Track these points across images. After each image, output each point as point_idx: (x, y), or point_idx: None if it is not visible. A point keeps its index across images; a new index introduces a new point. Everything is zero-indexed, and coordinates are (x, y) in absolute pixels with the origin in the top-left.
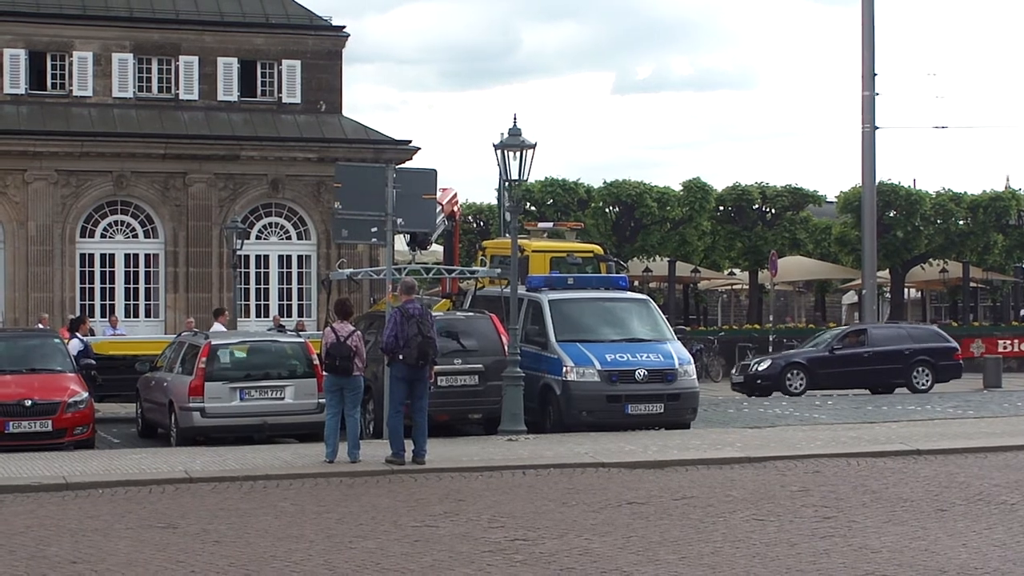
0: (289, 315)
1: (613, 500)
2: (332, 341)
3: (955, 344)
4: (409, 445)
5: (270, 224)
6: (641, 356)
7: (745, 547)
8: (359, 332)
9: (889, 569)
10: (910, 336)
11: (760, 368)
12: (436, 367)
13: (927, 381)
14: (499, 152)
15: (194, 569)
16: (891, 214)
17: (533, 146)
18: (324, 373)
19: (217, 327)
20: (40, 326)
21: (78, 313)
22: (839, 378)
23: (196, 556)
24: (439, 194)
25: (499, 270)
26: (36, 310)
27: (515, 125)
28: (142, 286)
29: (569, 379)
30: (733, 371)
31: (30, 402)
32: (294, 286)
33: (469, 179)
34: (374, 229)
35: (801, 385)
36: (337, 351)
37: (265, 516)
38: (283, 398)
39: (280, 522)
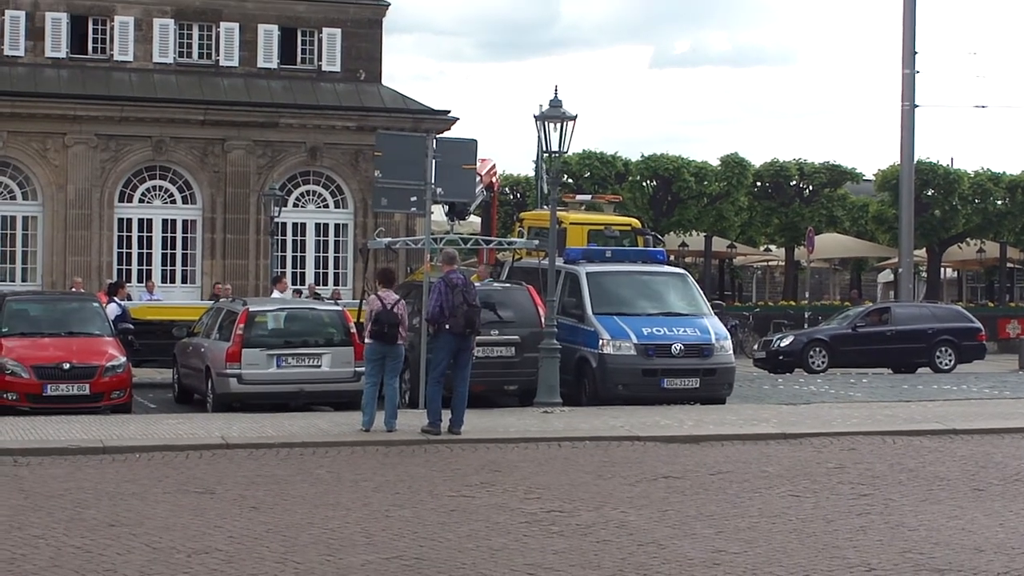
0: (324, 284)
1: (649, 474)
2: (379, 308)
3: (979, 325)
4: (446, 415)
5: (307, 192)
6: (678, 330)
7: (781, 523)
8: (403, 301)
9: (926, 547)
10: (934, 315)
11: (782, 344)
12: None
13: (950, 361)
14: (539, 123)
15: (232, 534)
16: (929, 193)
17: (574, 118)
18: (368, 341)
19: (276, 295)
20: (73, 290)
21: (116, 278)
22: (861, 356)
23: (234, 521)
24: (478, 164)
25: (536, 242)
26: (73, 274)
27: (556, 96)
28: (179, 252)
29: (605, 352)
30: (755, 347)
31: (68, 365)
32: (330, 254)
33: (506, 151)
34: (413, 198)
35: (823, 362)
36: (386, 318)
37: (302, 483)
38: (320, 366)
39: (317, 489)
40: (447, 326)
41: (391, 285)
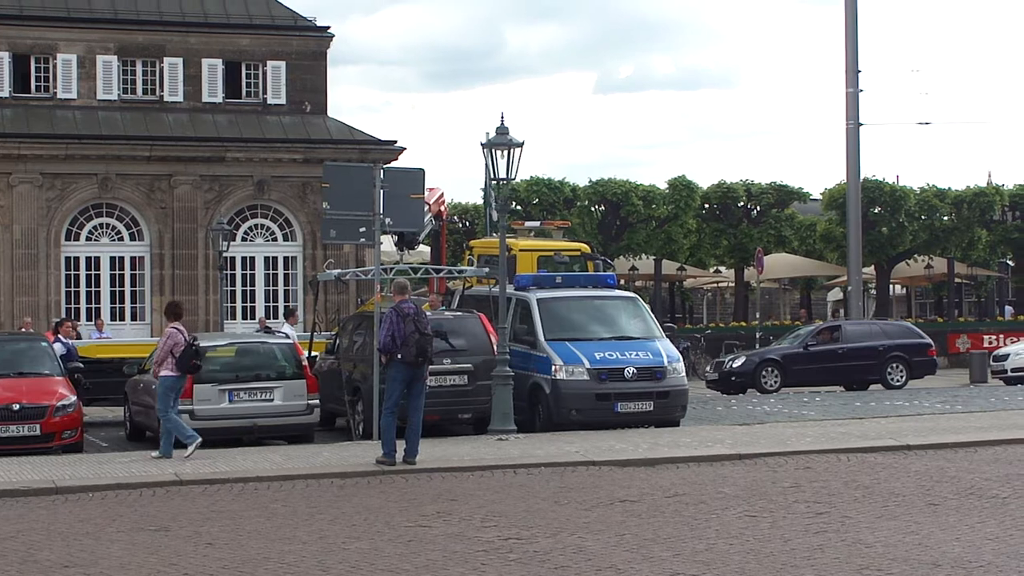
0: (275, 317)
1: (605, 498)
2: (183, 341)
3: (929, 340)
4: (400, 445)
5: (256, 226)
6: (630, 354)
7: (739, 543)
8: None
9: (883, 564)
10: (884, 332)
11: (735, 365)
12: None
13: (902, 377)
14: (487, 151)
15: (187, 572)
16: (876, 210)
17: (520, 145)
18: (170, 374)
19: (288, 329)
20: (23, 330)
21: (63, 317)
22: (813, 374)
23: (189, 559)
24: (426, 194)
25: (487, 269)
26: (21, 314)
27: (502, 124)
28: (128, 289)
29: (558, 378)
30: (707, 368)
31: (18, 406)
32: (280, 288)
33: (454, 179)
34: (362, 229)
35: (776, 382)
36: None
37: (257, 518)
38: (272, 399)
39: (272, 524)
40: (399, 356)
41: (180, 319)
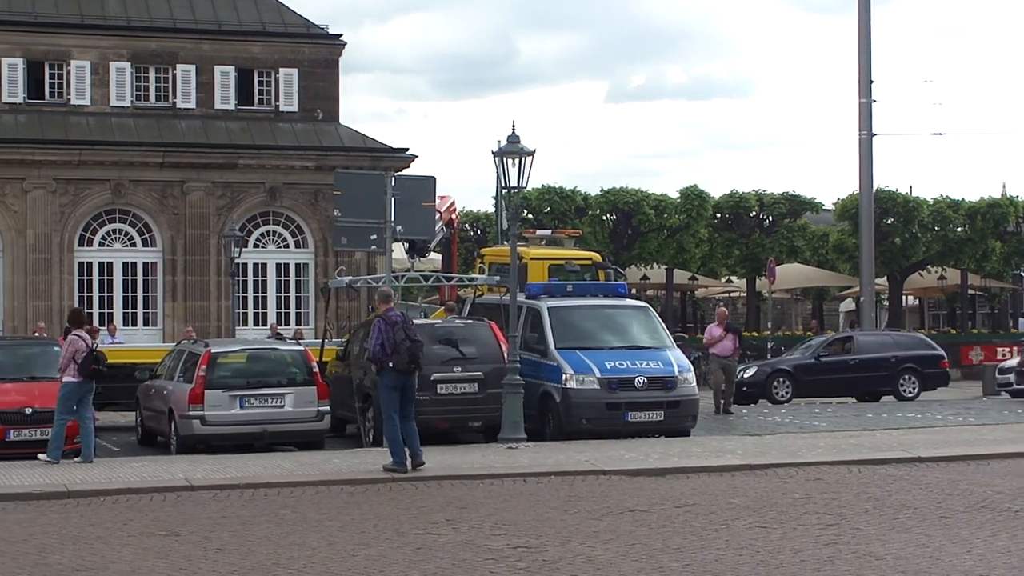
0: (287, 323)
1: (615, 508)
2: (85, 348)
3: (942, 352)
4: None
5: (267, 232)
6: (641, 363)
7: (748, 554)
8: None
9: None
10: (896, 343)
11: (745, 375)
12: (436, 375)
13: (914, 389)
14: (498, 159)
15: None
16: (889, 221)
17: (532, 153)
18: (73, 379)
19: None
20: (36, 335)
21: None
22: (825, 386)
23: (199, 564)
24: (437, 202)
25: (498, 277)
26: (35, 319)
27: (514, 132)
28: (140, 294)
29: (569, 387)
30: (710, 377)
31: (31, 410)
32: (292, 294)
33: (465, 187)
34: (373, 237)
35: (787, 393)
36: (100, 356)
37: (267, 524)
38: (283, 406)
39: (282, 530)
40: (391, 364)
41: (82, 326)
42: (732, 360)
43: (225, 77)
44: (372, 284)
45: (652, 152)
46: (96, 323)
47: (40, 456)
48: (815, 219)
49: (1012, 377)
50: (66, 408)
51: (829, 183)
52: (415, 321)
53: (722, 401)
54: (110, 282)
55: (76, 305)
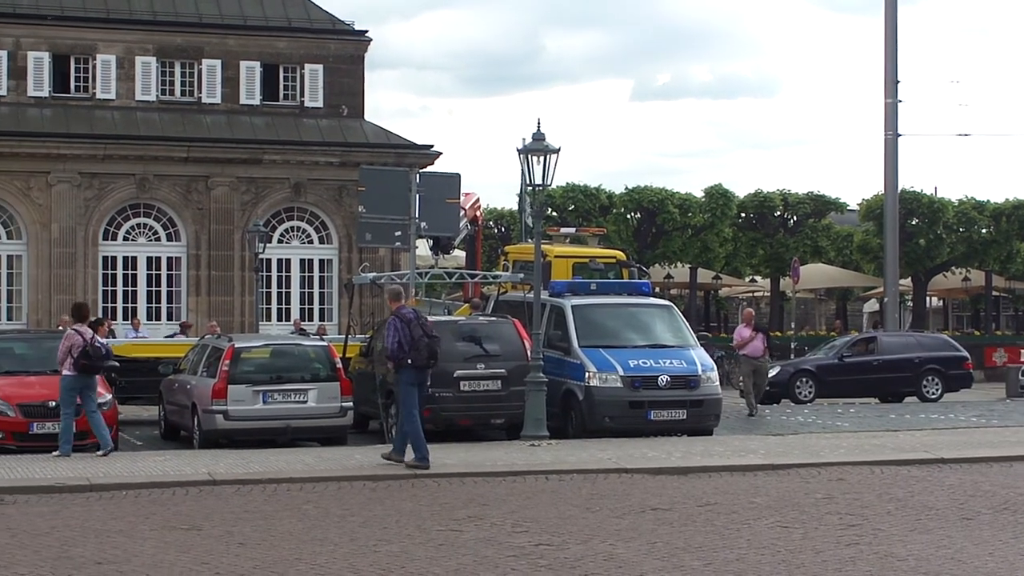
0: (310, 319)
1: (637, 506)
2: (81, 343)
3: (965, 353)
4: (408, 452)
5: (292, 228)
6: (664, 362)
7: (770, 554)
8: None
9: None
10: (920, 344)
11: (769, 375)
12: (459, 372)
13: (937, 390)
14: (523, 156)
15: (219, 571)
16: (913, 222)
17: (557, 151)
18: (70, 373)
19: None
20: (60, 328)
21: (100, 316)
22: (848, 386)
23: (221, 558)
24: (462, 199)
25: (522, 275)
26: (59, 312)
27: (539, 130)
28: (164, 289)
29: (592, 384)
30: (740, 378)
31: (54, 403)
32: (315, 290)
33: (489, 184)
34: (398, 233)
35: (810, 393)
36: (94, 352)
37: (289, 519)
38: (306, 401)
39: (304, 525)
40: (410, 360)
41: (85, 320)
42: (763, 360)
43: (250, 72)
44: (396, 281)
45: (677, 151)
46: (120, 317)
47: (54, 453)
48: (840, 219)
49: None
50: (68, 401)
51: (854, 183)
52: (439, 318)
53: (752, 401)
54: (134, 276)
55: (90, 300)
